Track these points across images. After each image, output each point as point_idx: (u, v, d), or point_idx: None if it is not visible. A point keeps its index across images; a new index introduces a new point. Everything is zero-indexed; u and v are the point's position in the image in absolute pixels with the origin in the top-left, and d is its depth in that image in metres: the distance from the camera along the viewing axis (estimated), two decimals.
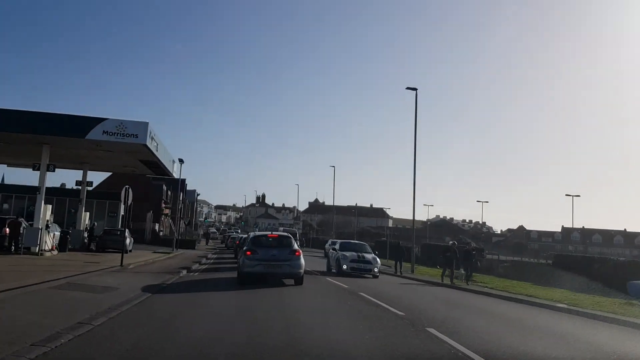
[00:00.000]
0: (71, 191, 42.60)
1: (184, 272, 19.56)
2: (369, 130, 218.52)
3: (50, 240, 23.40)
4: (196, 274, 20.13)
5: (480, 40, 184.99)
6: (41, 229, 22.09)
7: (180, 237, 53.44)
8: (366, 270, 23.76)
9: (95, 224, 30.19)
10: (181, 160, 35.81)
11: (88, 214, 30.60)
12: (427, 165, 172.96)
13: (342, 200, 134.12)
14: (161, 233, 52.34)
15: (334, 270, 24.58)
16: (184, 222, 52.94)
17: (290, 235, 18.32)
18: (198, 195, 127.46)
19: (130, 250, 31.23)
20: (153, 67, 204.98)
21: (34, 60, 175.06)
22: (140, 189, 52.96)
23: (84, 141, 20.88)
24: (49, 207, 23.52)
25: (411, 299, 15.07)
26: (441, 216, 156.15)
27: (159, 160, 24.59)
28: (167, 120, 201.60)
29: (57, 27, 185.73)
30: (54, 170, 22.62)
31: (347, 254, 24.27)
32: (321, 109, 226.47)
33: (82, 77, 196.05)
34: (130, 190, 19.29)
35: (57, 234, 25.84)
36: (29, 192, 41.15)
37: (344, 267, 23.50)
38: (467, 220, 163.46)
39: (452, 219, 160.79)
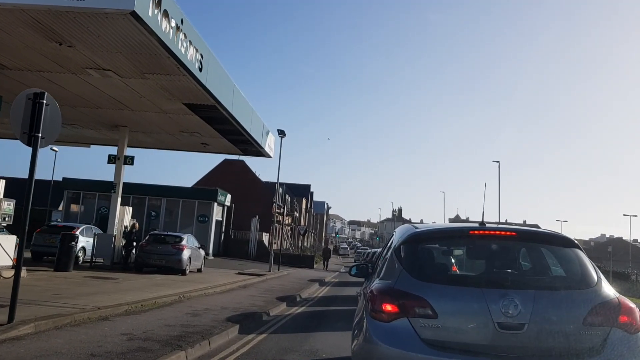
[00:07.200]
0: (151, 187, 32.51)
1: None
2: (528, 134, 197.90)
3: None
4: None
5: None
6: None
7: (298, 252, 41.53)
8: None
9: (137, 224, 18.65)
10: (281, 132, 23.18)
11: (130, 209, 19.15)
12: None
13: (480, 215, 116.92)
14: (273, 245, 40.49)
15: None
16: (300, 232, 41.06)
17: (574, 242, 4.00)
18: (329, 208, 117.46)
19: (199, 270, 19.41)
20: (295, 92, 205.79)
21: None
22: (245, 187, 41.64)
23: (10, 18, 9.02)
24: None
25: None
26: (607, 235, 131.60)
27: (205, 89, 12.13)
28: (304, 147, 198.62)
29: None
30: None
31: None
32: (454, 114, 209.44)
33: None
34: (47, 98, 6.62)
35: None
36: (102, 189, 31.58)
37: None
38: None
39: (620, 237, 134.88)
